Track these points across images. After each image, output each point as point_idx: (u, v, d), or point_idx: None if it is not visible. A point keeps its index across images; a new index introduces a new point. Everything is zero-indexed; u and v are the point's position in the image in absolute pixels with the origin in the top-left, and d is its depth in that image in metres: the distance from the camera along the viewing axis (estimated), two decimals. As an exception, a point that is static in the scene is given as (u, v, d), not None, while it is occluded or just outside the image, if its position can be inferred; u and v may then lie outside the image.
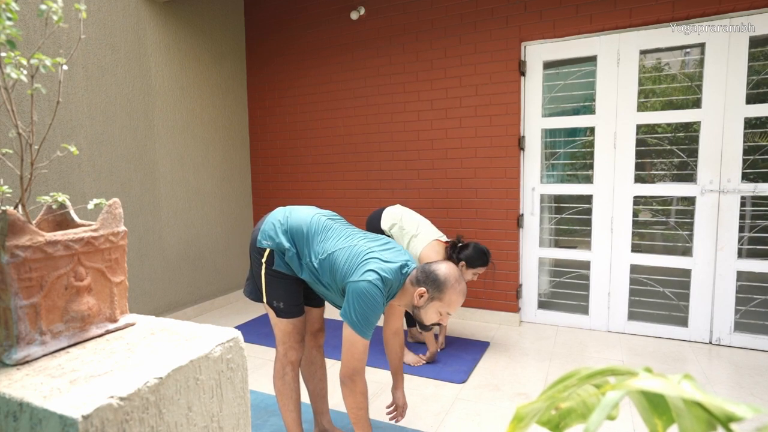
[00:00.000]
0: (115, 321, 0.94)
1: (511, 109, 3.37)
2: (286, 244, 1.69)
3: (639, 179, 3.20)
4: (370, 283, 1.53)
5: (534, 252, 3.52)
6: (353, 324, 1.55)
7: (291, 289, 1.75)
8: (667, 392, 0.30)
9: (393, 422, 2.00)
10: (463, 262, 2.66)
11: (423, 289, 1.62)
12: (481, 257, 2.67)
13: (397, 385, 1.96)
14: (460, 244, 2.71)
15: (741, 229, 2.96)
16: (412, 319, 3.14)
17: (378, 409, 2.33)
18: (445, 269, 1.64)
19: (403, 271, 1.66)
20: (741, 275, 2.99)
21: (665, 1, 2.92)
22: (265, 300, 1.77)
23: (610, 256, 3.30)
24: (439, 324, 1.69)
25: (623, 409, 2.27)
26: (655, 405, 0.34)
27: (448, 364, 2.81)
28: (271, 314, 1.78)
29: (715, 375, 2.64)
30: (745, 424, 2.07)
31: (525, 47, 3.38)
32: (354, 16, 3.78)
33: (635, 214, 3.24)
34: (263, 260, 1.73)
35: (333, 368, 2.82)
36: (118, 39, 3.23)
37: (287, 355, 1.80)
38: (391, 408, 1.98)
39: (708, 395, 0.30)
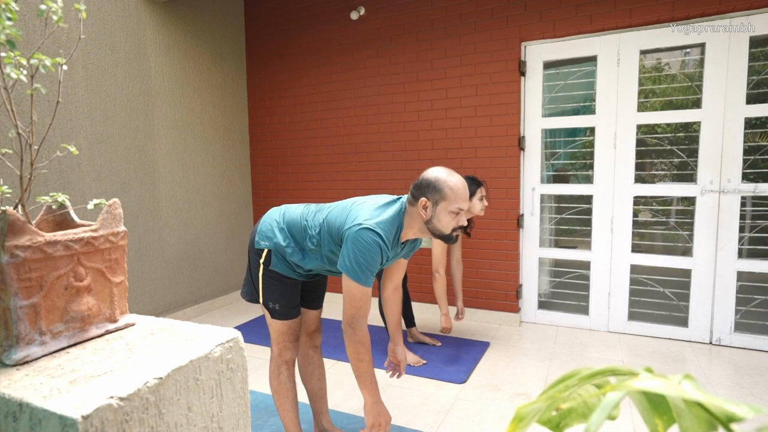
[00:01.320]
0: (114, 321, 0.94)
1: (511, 109, 3.37)
2: (284, 242, 1.69)
3: (639, 179, 3.20)
4: (360, 227, 1.51)
5: (534, 252, 3.52)
6: (347, 269, 1.52)
7: (287, 292, 1.75)
8: (668, 392, 0.30)
9: (394, 378, 1.96)
10: None
11: (423, 199, 1.57)
12: (472, 183, 2.71)
13: (396, 341, 1.93)
14: None
15: (741, 229, 2.96)
16: (412, 320, 3.14)
17: (378, 410, 2.32)
18: (432, 171, 1.60)
19: (397, 203, 1.63)
20: (741, 275, 2.99)
21: (665, 1, 2.92)
22: (261, 301, 1.77)
23: (611, 256, 3.30)
24: (460, 228, 1.60)
25: (624, 409, 2.27)
26: (656, 405, 0.34)
27: (448, 364, 2.81)
28: (267, 314, 1.79)
29: (716, 375, 2.64)
30: (746, 425, 2.07)
31: (525, 47, 3.38)
32: (354, 16, 3.77)
33: (635, 214, 3.24)
34: (261, 261, 1.73)
35: (332, 368, 2.82)
36: (118, 39, 3.23)
37: (282, 355, 1.81)
38: (389, 365, 1.97)
39: (708, 395, 0.30)
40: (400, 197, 1.67)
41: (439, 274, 2.74)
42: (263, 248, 1.72)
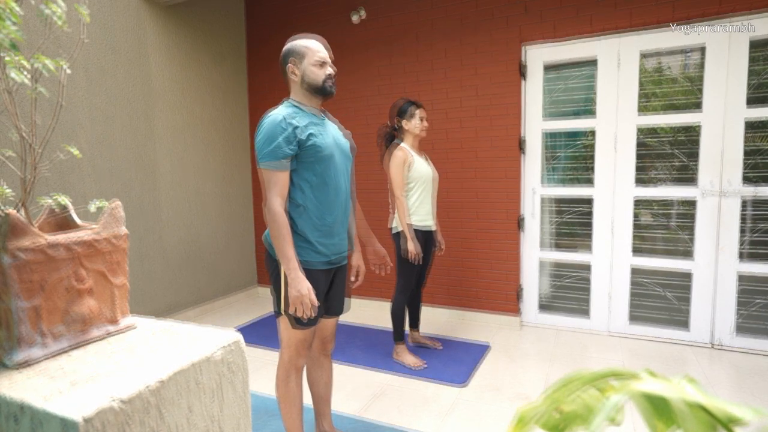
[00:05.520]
0: (115, 323, 0.94)
1: (511, 111, 3.37)
2: (294, 217, 1.70)
3: (640, 181, 3.20)
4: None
5: (534, 254, 3.52)
6: (257, 160, 1.63)
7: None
8: (670, 395, 0.30)
9: (383, 273, 2.10)
10: (398, 120, 2.83)
11: (290, 64, 1.71)
12: (411, 104, 2.81)
13: (372, 244, 2.03)
14: (388, 128, 2.88)
15: (742, 231, 2.96)
16: (414, 321, 3.14)
17: (379, 411, 2.32)
18: (287, 42, 1.75)
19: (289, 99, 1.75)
20: (742, 278, 2.99)
21: (665, 2, 2.92)
22: (282, 307, 1.69)
23: (611, 258, 3.29)
24: (330, 78, 1.70)
25: (624, 411, 2.26)
26: (658, 408, 0.34)
27: (448, 365, 2.81)
28: (285, 324, 1.72)
29: (717, 377, 2.63)
30: (747, 427, 2.07)
31: (525, 49, 3.38)
32: (355, 19, 3.78)
33: (636, 216, 3.24)
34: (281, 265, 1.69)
35: (334, 370, 2.81)
36: (119, 41, 3.23)
37: (292, 361, 1.76)
38: (375, 267, 2.05)
39: (710, 398, 0.30)
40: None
41: (399, 199, 2.76)
42: None
